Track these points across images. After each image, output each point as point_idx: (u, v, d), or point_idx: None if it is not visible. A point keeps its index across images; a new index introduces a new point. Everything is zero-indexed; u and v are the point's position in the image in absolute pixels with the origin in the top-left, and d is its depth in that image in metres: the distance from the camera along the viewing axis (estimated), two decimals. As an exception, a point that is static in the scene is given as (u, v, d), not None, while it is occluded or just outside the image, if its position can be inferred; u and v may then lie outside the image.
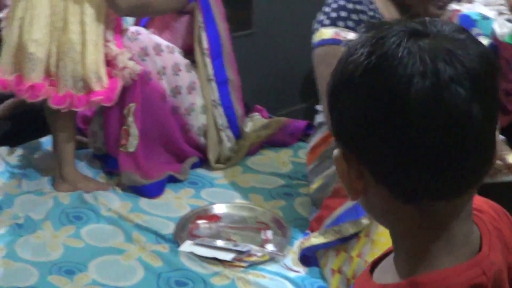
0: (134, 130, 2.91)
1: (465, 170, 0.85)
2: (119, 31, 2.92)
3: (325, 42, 2.10)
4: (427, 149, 0.83)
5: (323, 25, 2.12)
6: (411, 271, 0.91)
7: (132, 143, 2.91)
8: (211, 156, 3.14)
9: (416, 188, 0.86)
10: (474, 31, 2.28)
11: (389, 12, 2.17)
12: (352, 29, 2.09)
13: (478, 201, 1.00)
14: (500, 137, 2.09)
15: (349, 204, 2.16)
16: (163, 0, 2.93)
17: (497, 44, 2.55)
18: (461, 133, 0.83)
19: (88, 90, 2.75)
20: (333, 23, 2.10)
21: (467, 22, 2.32)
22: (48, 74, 2.74)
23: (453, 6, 2.38)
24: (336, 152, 0.92)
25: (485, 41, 2.27)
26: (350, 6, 2.12)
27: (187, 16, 3.12)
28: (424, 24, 0.87)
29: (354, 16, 2.09)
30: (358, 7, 2.12)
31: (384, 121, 0.83)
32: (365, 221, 2.12)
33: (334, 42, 2.09)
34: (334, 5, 2.14)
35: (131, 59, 2.84)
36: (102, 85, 2.76)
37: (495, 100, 0.87)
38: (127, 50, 2.85)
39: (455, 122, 0.82)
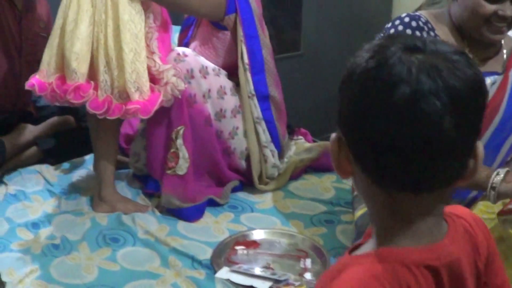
0: (184, 153, 2.87)
1: (430, 171, 1.00)
2: (167, 46, 2.90)
3: None
4: (398, 147, 0.98)
5: None
6: (377, 245, 1.08)
7: (182, 166, 2.87)
8: (255, 174, 3.08)
9: (387, 178, 1.02)
10: None
11: (448, 38, 2.11)
12: None
13: (462, 210, 1.18)
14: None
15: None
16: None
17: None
18: (429, 140, 0.97)
19: (127, 99, 2.71)
20: None
21: None
22: (90, 77, 2.71)
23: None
24: (333, 134, 1.07)
25: None
26: (409, 32, 2.06)
27: (226, 33, 3.07)
28: (424, 42, 1.02)
29: None
30: (417, 32, 2.06)
31: (368, 115, 1.00)
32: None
33: None
34: (392, 30, 2.09)
35: (175, 75, 2.80)
36: (142, 96, 2.72)
37: (475, 118, 1.02)
38: (172, 66, 2.81)
39: (426, 130, 0.96)
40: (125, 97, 2.70)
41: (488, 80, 2.09)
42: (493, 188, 1.91)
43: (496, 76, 2.12)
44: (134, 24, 2.70)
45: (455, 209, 1.16)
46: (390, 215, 1.06)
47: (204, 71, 2.92)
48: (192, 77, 2.87)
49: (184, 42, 3.22)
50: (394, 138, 0.98)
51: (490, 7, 1.98)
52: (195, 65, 2.90)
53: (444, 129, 0.96)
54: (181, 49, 2.97)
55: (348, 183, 3.12)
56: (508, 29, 2.08)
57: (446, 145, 0.98)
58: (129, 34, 2.68)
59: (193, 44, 3.13)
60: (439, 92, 0.96)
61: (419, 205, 1.05)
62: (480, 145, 1.07)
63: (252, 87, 3.00)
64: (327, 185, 3.19)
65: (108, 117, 2.70)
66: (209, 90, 2.93)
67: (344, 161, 1.06)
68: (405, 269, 1.03)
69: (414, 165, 0.99)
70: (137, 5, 2.71)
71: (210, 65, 2.97)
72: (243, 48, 2.99)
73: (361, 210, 2.29)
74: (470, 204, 2.13)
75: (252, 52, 3.00)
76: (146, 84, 2.72)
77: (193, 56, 2.93)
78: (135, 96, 2.69)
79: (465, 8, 2.03)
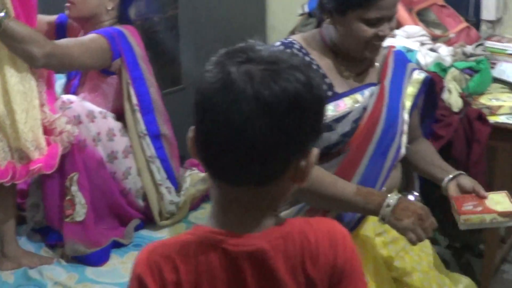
0: (80, 199, 2.88)
1: (243, 168, 1.12)
2: (53, 96, 2.90)
3: None
4: (216, 145, 1.12)
5: None
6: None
7: (80, 212, 2.89)
8: (154, 211, 3.13)
9: (212, 171, 1.17)
10: (410, 66, 2.33)
11: (323, 61, 2.18)
12: None
13: (321, 222, 1.28)
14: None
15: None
16: (81, 52, 2.88)
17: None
18: (242, 141, 1.09)
19: (27, 160, 2.71)
20: None
21: (403, 58, 2.36)
22: None
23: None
24: (191, 128, 1.19)
25: (422, 74, 2.33)
26: None
27: (114, 77, 3.11)
28: (246, 51, 1.14)
29: None
30: None
31: (197, 117, 1.15)
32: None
33: None
34: None
35: (68, 123, 2.81)
36: (41, 153, 2.73)
37: (292, 123, 1.11)
38: (62, 115, 2.82)
39: (238, 132, 1.09)
40: (25, 157, 2.71)
41: (367, 93, 2.19)
42: (383, 219, 2.01)
43: (373, 87, 2.21)
44: (22, 84, 2.69)
45: (318, 219, 1.31)
46: (215, 201, 1.22)
47: (91, 116, 2.95)
48: (80, 122, 2.90)
49: (71, 91, 3.22)
50: (213, 138, 1.12)
51: (372, 31, 2.09)
52: (81, 110, 2.93)
53: (256, 133, 1.08)
54: (65, 97, 2.99)
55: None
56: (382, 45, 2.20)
57: (258, 147, 1.10)
58: (19, 95, 2.67)
59: (82, 94, 3.13)
60: (248, 99, 1.08)
61: (237, 197, 1.18)
62: (315, 151, 1.19)
63: (143, 127, 3.06)
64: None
65: (15, 182, 2.70)
66: (98, 133, 2.97)
67: (193, 152, 1.20)
68: (201, 245, 1.19)
69: (229, 161, 1.12)
70: (23, 64, 2.69)
71: (96, 109, 3.01)
72: (130, 90, 3.04)
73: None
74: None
75: (139, 93, 3.06)
76: (42, 140, 2.73)
77: (78, 102, 2.96)
78: (35, 155, 2.70)
79: (346, 33, 2.10)
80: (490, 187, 2.94)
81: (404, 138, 2.26)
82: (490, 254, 3.19)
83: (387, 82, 2.23)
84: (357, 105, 2.15)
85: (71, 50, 2.85)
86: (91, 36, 2.97)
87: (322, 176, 2.05)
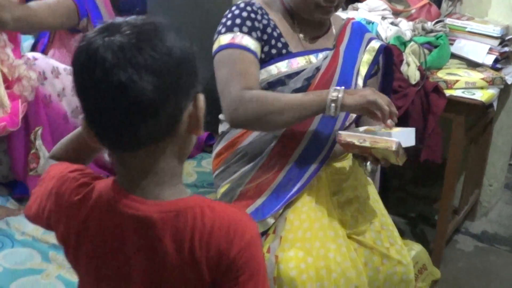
0: (44, 153, 2.95)
1: (133, 131, 1.14)
2: (17, 42, 2.94)
3: (222, 48, 2.21)
4: (103, 113, 1.14)
5: (220, 34, 2.24)
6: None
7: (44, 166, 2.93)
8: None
9: (102, 143, 1.20)
10: (368, 36, 2.43)
11: (281, 22, 2.32)
12: (247, 33, 2.21)
13: (228, 211, 1.26)
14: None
15: (255, 205, 2.28)
16: (49, 14, 2.92)
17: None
18: (128, 104, 1.11)
19: None
20: (229, 29, 2.22)
21: (361, 28, 2.47)
22: None
23: (339, 13, 2.53)
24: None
25: (379, 42, 2.42)
26: (245, 14, 2.24)
27: (81, 34, 3.15)
28: (118, 25, 1.17)
29: (248, 23, 2.22)
30: (252, 15, 2.25)
31: (80, 93, 1.17)
32: (271, 220, 2.25)
33: (230, 46, 2.20)
34: (229, 15, 2.27)
35: (26, 70, 2.87)
36: (5, 111, 2.79)
37: (176, 80, 1.15)
38: (23, 62, 2.87)
39: (123, 97, 1.10)
40: None
41: (321, 55, 2.34)
42: (333, 101, 2.06)
43: (327, 52, 2.35)
44: None
45: (228, 209, 1.27)
46: (116, 167, 1.25)
47: (56, 72, 3.02)
48: (45, 78, 2.97)
49: (41, 49, 3.29)
50: (99, 107, 1.14)
51: None
52: (46, 66, 3.00)
53: (130, 95, 1.11)
54: (30, 54, 3.06)
55: (208, 167, 3.31)
56: (335, 10, 2.31)
57: (136, 108, 1.12)
58: None
59: (51, 51, 3.21)
60: (121, 65, 1.10)
61: (134, 162, 1.21)
62: (201, 96, 1.23)
63: None
64: (188, 170, 3.39)
65: None
66: (63, 89, 3.04)
67: (89, 133, 1.21)
68: (99, 195, 1.26)
69: (119, 129, 1.15)
70: None
71: (61, 65, 3.07)
72: None
73: (223, 188, 2.44)
74: (323, 162, 2.30)
75: None
76: (5, 98, 2.79)
77: (43, 59, 3.04)
78: None
79: None
80: (445, 157, 3.08)
81: None
82: (443, 224, 3.28)
83: (342, 48, 2.36)
84: (310, 65, 2.27)
85: (40, 13, 2.89)
86: None
87: (264, 94, 2.14)
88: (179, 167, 1.27)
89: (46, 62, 3.02)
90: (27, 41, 3.45)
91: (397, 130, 2.06)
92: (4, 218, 2.91)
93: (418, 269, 2.95)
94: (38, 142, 2.94)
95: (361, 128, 2.19)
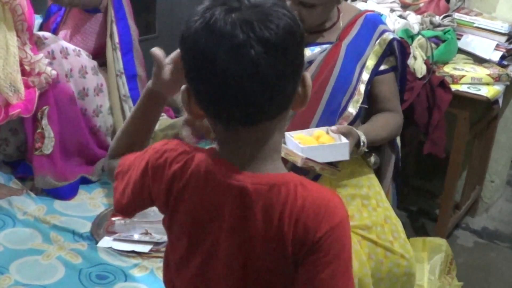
0: (49, 132, 2.95)
1: (256, 106, 1.14)
2: (32, 37, 2.94)
3: None
4: (231, 87, 1.12)
5: None
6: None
7: (48, 145, 2.96)
8: (123, 149, 3.19)
9: (217, 117, 1.19)
10: (381, 27, 2.39)
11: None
12: None
13: (320, 191, 1.23)
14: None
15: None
16: None
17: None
18: (252, 81, 1.11)
19: (6, 103, 2.78)
20: None
21: (375, 20, 2.43)
22: None
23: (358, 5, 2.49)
24: (183, 86, 1.22)
25: (391, 35, 2.38)
26: None
27: (99, 15, 3.18)
28: (240, 1, 1.15)
29: None
30: None
31: (200, 66, 1.15)
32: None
33: None
34: None
35: (47, 65, 2.88)
36: (20, 98, 2.79)
37: (293, 58, 1.15)
38: (43, 56, 2.89)
39: (246, 74, 1.11)
40: (3, 101, 2.77)
41: (317, 49, 2.31)
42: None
43: (327, 45, 2.33)
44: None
45: (320, 190, 1.24)
46: (221, 143, 1.24)
47: (64, 52, 3.03)
48: (54, 58, 2.97)
49: (52, 28, 3.29)
50: (227, 83, 1.12)
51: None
52: (55, 47, 3.00)
53: (261, 71, 1.11)
54: (41, 33, 3.06)
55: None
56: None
57: (266, 84, 1.13)
58: None
59: (63, 32, 3.22)
60: (252, 43, 1.10)
61: (247, 137, 1.21)
62: (307, 75, 1.23)
63: (121, 65, 3.14)
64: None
65: None
66: (71, 70, 3.04)
67: (194, 106, 1.22)
68: (200, 161, 1.26)
69: (243, 104, 1.14)
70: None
71: (70, 46, 3.08)
72: (113, 28, 3.13)
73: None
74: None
75: (121, 33, 3.15)
76: (21, 85, 2.80)
77: (53, 38, 3.04)
78: (14, 100, 2.77)
79: None
80: (448, 151, 3.08)
81: (356, 98, 2.32)
82: (444, 219, 3.28)
83: (345, 42, 2.33)
84: None
85: None
86: None
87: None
88: (280, 143, 1.28)
89: (56, 41, 3.03)
90: (36, 19, 3.44)
91: (330, 143, 2.11)
92: (7, 197, 2.92)
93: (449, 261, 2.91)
94: (44, 122, 2.94)
95: (305, 131, 2.19)
